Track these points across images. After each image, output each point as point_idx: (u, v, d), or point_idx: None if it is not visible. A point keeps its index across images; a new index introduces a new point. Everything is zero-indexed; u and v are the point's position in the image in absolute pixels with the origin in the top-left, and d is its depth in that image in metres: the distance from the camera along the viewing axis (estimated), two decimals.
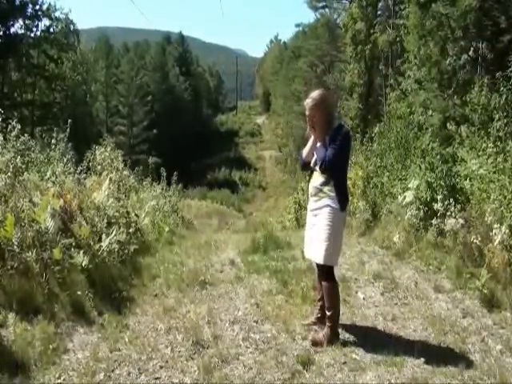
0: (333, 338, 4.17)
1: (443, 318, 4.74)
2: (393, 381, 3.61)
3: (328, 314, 4.21)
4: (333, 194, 4.07)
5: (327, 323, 4.23)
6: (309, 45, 46.20)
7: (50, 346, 3.89)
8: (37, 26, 33.54)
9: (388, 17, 31.91)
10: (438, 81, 17.17)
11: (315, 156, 4.21)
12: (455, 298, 5.25)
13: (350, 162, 10.69)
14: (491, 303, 4.94)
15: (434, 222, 6.66)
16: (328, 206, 4.08)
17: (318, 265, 4.23)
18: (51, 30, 34.48)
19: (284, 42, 79.24)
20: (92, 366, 3.77)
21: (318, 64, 45.93)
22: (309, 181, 4.39)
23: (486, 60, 16.60)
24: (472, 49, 16.47)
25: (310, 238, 4.24)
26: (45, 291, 4.46)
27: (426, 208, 6.99)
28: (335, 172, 4.09)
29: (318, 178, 4.18)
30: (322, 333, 4.24)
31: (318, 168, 4.14)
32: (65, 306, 4.50)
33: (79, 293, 4.69)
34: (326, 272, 4.19)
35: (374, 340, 4.33)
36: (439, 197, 6.73)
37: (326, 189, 4.12)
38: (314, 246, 4.16)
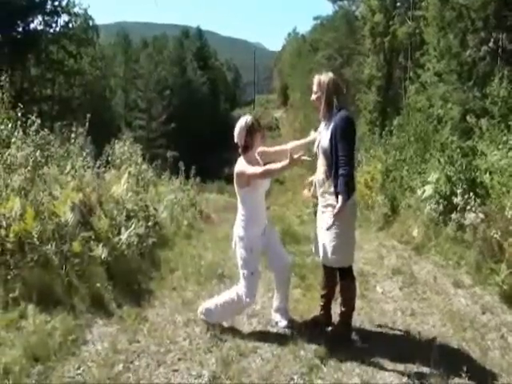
0: (347, 334, 4.17)
1: (462, 314, 4.69)
2: (411, 377, 3.59)
3: (343, 309, 4.18)
4: (332, 190, 3.90)
5: (340, 318, 4.21)
6: (327, 38, 45.86)
7: (70, 338, 3.95)
8: (56, 22, 33.88)
9: (407, 8, 31.59)
10: (457, 73, 16.96)
11: (318, 139, 4.08)
12: (475, 294, 5.19)
13: (368, 154, 10.72)
14: (511, 299, 4.86)
15: (453, 216, 6.58)
16: (331, 205, 3.91)
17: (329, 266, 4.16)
18: (70, 25, 34.76)
19: (302, 35, 78.70)
20: (111, 357, 3.81)
21: (336, 57, 45.59)
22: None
23: (507, 51, 16.34)
24: (492, 40, 16.24)
25: (321, 239, 4.10)
26: (64, 283, 4.53)
27: (446, 202, 6.91)
28: (341, 158, 3.86)
29: (320, 168, 4.06)
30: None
31: (321, 154, 4.01)
32: (84, 298, 4.56)
33: (98, 285, 4.74)
34: (342, 271, 4.11)
35: (392, 335, 4.31)
36: (459, 191, 6.64)
37: (327, 183, 3.98)
38: (326, 251, 4.03)
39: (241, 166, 4.08)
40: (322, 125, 4.09)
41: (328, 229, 3.91)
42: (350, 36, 42.89)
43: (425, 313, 4.77)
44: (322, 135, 4.01)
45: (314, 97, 4.05)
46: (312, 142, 4.24)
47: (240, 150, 4.15)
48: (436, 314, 4.74)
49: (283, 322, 4.40)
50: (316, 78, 4.04)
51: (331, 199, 3.92)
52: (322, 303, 4.42)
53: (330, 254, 3.99)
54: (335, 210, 3.78)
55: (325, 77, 4.01)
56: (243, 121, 4.10)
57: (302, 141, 4.41)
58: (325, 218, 4.00)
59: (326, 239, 4.00)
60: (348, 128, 3.88)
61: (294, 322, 4.44)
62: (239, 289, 4.21)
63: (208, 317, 4.36)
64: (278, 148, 4.38)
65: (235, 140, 4.13)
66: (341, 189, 3.78)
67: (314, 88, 4.03)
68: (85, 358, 3.79)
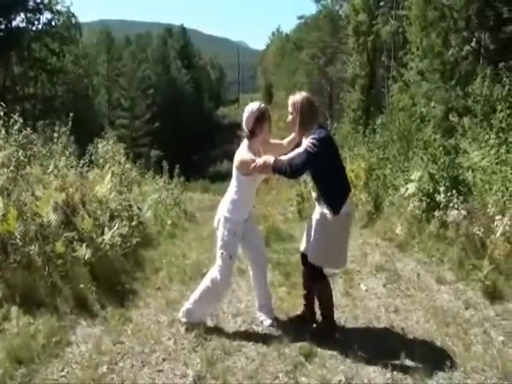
0: (330, 331, 4.20)
1: (445, 310, 4.74)
2: (395, 372, 3.61)
3: (325, 310, 4.22)
4: (321, 200, 3.98)
5: (322, 317, 4.25)
6: (311, 37, 45.97)
7: (53, 339, 3.91)
8: (38, 20, 33.58)
9: (390, 8, 31.79)
10: (440, 72, 17.11)
11: None
12: (457, 290, 5.24)
13: (352, 153, 10.77)
14: (493, 294, 4.92)
15: (436, 213, 6.65)
16: (319, 212, 3.99)
17: (308, 263, 4.19)
18: (53, 23, 34.41)
19: (286, 34, 78.73)
20: (95, 358, 3.78)
21: (320, 56, 45.76)
22: None
23: (489, 51, 16.55)
24: (474, 39, 16.42)
25: (308, 238, 4.18)
26: (47, 284, 4.49)
27: (429, 199, 6.98)
28: (318, 179, 3.98)
29: (312, 184, 4.12)
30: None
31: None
32: (68, 299, 4.52)
33: (82, 286, 4.70)
34: (312, 271, 4.16)
35: (376, 332, 4.34)
36: (441, 188, 6.71)
37: (314, 194, 4.09)
38: (309, 244, 4.13)
39: (243, 153, 4.11)
40: (303, 144, 4.08)
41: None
42: (333, 35, 43.06)
43: (408, 309, 4.81)
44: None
45: (289, 118, 4.07)
46: None
47: (246, 135, 4.17)
48: (419, 310, 4.78)
49: (268, 321, 4.41)
50: (290, 100, 4.05)
51: (319, 208, 4.01)
52: (304, 302, 4.45)
53: (310, 248, 4.07)
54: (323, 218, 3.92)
55: (298, 96, 4.03)
56: (255, 105, 4.14)
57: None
58: (314, 218, 4.06)
59: (311, 240, 4.07)
60: (318, 146, 3.82)
61: (278, 320, 4.46)
62: (213, 272, 4.25)
63: (190, 317, 4.34)
64: (274, 141, 4.39)
65: (243, 124, 4.15)
66: (328, 203, 3.90)
67: (289, 109, 4.05)
68: (69, 360, 3.76)
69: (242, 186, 4.19)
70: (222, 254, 4.19)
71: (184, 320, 4.36)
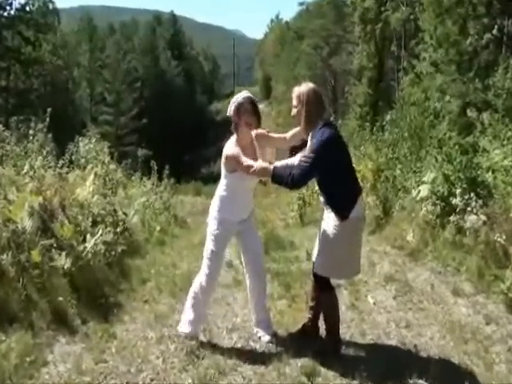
0: (335, 348, 4.17)
1: (463, 325, 4.72)
2: None
3: (330, 324, 4.20)
4: (328, 206, 4.00)
5: (326, 332, 4.24)
6: (313, 25, 46.14)
7: (28, 359, 3.87)
8: (10, 5, 33.47)
9: None
10: (456, 63, 17.14)
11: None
12: (477, 303, 5.23)
13: (358, 152, 10.78)
14: None
15: (452, 218, 6.64)
16: (326, 218, 4.01)
17: (314, 273, 4.20)
18: (27, 8, 34.35)
19: (286, 22, 78.90)
20: (75, 379, 3.75)
21: (323, 46, 45.92)
22: None
23: None
24: (496, 27, 16.39)
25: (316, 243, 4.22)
26: (22, 297, 4.44)
27: (444, 203, 6.96)
28: (323, 183, 4.01)
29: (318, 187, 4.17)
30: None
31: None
32: (44, 313, 4.49)
33: (61, 299, 4.67)
34: (318, 281, 4.16)
35: (385, 349, 4.32)
36: (458, 191, 6.70)
37: (321, 199, 4.13)
38: (315, 253, 4.16)
39: (229, 148, 4.15)
40: (308, 142, 4.08)
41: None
42: (338, 23, 43.22)
43: (421, 324, 4.80)
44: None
45: (294, 111, 4.05)
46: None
47: (232, 127, 4.24)
48: (434, 325, 4.77)
49: (266, 337, 4.40)
50: (295, 92, 4.03)
51: (327, 213, 4.01)
52: (309, 315, 4.43)
53: (318, 261, 4.07)
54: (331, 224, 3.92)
55: (304, 87, 4.00)
56: (239, 95, 4.21)
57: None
58: (323, 224, 4.06)
59: (318, 247, 4.09)
60: (321, 151, 3.84)
61: (278, 335, 4.44)
62: (200, 275, 4.34)
63: (188, 328, 4.38)
64: (275, 135, 4.38)
65: (228, 115, 4.25)
66: (335, 209, 3.91)
67: (294, 102, 4.03)
68: (45, 382, 3.72)
69: (230, 183, 4.24)
70: (208, 251, 4.28)
71: (183, 333, 4.38)
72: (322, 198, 4.13)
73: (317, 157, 3.82)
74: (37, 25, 34.90)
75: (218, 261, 4.32)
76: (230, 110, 4.19)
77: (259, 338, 4.43)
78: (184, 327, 4.42)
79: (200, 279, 4.33)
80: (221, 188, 4.30)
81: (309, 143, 4.03)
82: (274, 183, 4.05)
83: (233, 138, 4.24)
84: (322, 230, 4.04)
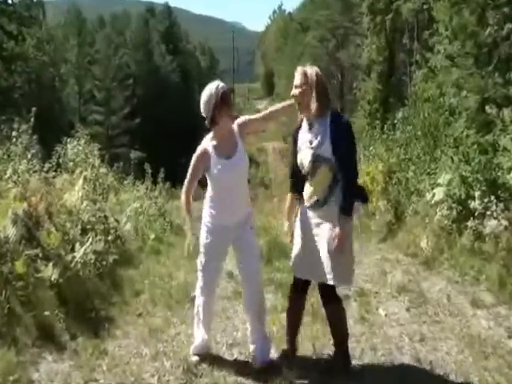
0: (344, 364, 4.16)
1: (484, 339, 4.71)
2: None
3: (335, 338, 4.19)
4: (340, 198, 3.90)
5: (335, 348, 4.21)
6: (319, 16, 46.23)
7: (11, 378, 3.84)
8: None
9: None
10: (474, 56, 17.09)
11: (309, 146, 3.98)
12: (498, 315, 5.22)
13: (367, 153, 10.80)
14: None
15: (469, 223, 6.64)
16: (331, 216, 3.93)
17: (322, 286, 4.09)
18: (9, 0, 34.37)
19: (289, 13, 79.34)
20: None
21: (329, 38, 46.00)
22: (295, 180, 4.22)
23: None
24: None
25: (315, 254, 4.02)
26: (4, 311, 4.43)
27: (460, 207, 6.97)
28: (346, 169, 3.91)
29: (320, 180, 3.98)
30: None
31: (322, 164, 3.93)
32: (29, 328, 4.48)
33: (47, 313, 4.67)
34: (332, 292, 4.10)
35: (398, 365, 4.31)
36: (477, 193, 6.70)
37: (314, 198, 4.01)
38: (324, 266, 3.96)
39: (199, 147, 4.17)
40: (305, 127, 4.05)
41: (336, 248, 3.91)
42: (345, 13, 43.27)
43: (437, 338, 4.79)
44: (317, 141, 3.93)
45: (296, 91, 3.96)
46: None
47: (207, 123, 4.15)
48: (451, 339, 4.76)
49: (259, 360, 4.23)
50: (300, 70, 3.98)
51: (330, 210, 3.93)
52: (288, 336, 4.37)
53: (330, 270, 3.92)
54: (339, 227, 3.85)
55: (311, 69, 3.97)
56: (213, 86, 4.10)
57: (283, 104, 4.36)
58: (324, 229, 3.97)
59: (324, 253, 3.96)
60: (353, 136, 4.00)
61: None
62: (196, 288, 4.37)
63: (199, 350, 4.39)
64: (253, 117, 4.34)
65: (201, 111, 4.14)
66: (348, 204, 3.89)
67: (298, 81, 3.95)
68: None
69: (210, 184, 4.23)
70: (199, 261, 4.28)
71: (196, 356, 4.36)
72: (315, 197, 4.01)
73: (353, 141, 3.96)
74: (20, 18, 34.86)
75: (211, 272, 4.27)
76: (208, 106, 4.07)
77: (254, 358, 4.29)
78: (194, 349, 4.41)
79: (197, 293, 4.35)
80: (207, 192, 4.29)
81: (314, 130, 3.95)
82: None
83: (208, 137, 4.19)
84: (327, 236, 3.93)
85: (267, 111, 4.37)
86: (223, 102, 4.05)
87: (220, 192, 4.20)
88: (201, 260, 4.24)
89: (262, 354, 4.27)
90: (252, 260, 4.30)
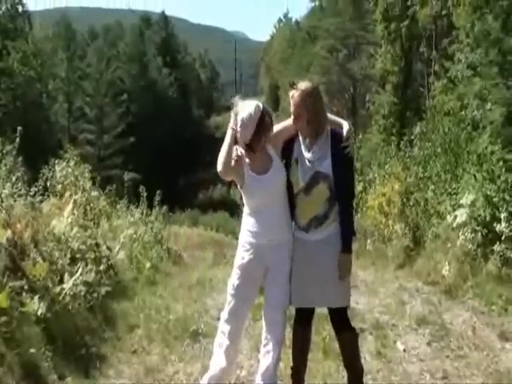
0: None
1: None
2: None
3: (351, 373, 4.14)
4: (333, 217, 3.99)
5: None
6: (328, 24, 46.54)
7: None
8: None
9: None
10: (498, 65, 17.16)
11: (309, 165, 4.02)
12: None
13: (383, 171, 10.82)
14: None
15: (496, 248, 6.64)
16: (332, 237, 4.00)
17: (332, 312, 4.11)
18: None
19: (296, 21, 80.00)
20: None
21: (339, 48, 46.28)
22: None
23: None
24: None
25: (316, 278, 3.99)
26: None
27: (486, 230, 6.96)
28: (345, 187, 4.01)
29: (317, 201, 4.01)
30: None
31: (321, 182, 3.98)
32: (13, 368, 4.46)
33: (32, 350, 4.65)
34: (344, 317, 4.09)
35: None
36: (503, 215, 6.70)
37: (331, 216, 4.02)
38: (328, 289, 3.97)
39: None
40: (303, 142, 4.06)
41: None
42: (356, 21, 43.58)
43: (462, 375, 4.76)
44: (316, 161, 3.98)
45: (299, 124, 3.99)
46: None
47: (242, 147, 4.06)
48: (477, 375, 4.73)
49: None
50: (290, 94, 3.98)
51: (331, 230, 3.99)
52: (294, 373, 4.27)
53: (333, 292, 3.98)
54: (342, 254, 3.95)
55: (302, 91, 3.93)
56: (252, 108, 3.93)
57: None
58: (328, 251, 3.99)
59: (326, 275, 3.98)
60: (353, 155, 4.15)
61: None
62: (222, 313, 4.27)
63: (211, 380, 4.17)
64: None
65: (238, 136, 4.02)
66: (350, 229, 4.05)
67: (291, 107, 4.00)
68: None
69: (244, 200, 4.18)
70: (229, 283, 4.23)
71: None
72: (313, 214, 4.04)
73: (352, 159, 4.13)
74: (5, 30, 35.35)
75: (238, 297, 4.16)
76: (248, 130, 3.93)
77: None
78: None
79: (222, 318, 4.24)
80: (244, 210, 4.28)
81: (314, 146, 3.99)
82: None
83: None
84: (331, 259, 3.96)
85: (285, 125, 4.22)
86: (265, 127, 3.96)
87: (254, 208, 4.15)
88: (233, 283, 4.16)
89: None
90: (276, 302, 4.21)
